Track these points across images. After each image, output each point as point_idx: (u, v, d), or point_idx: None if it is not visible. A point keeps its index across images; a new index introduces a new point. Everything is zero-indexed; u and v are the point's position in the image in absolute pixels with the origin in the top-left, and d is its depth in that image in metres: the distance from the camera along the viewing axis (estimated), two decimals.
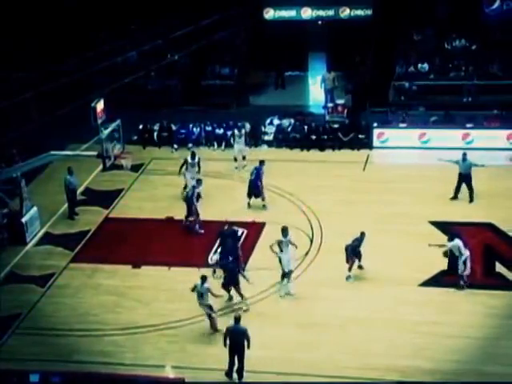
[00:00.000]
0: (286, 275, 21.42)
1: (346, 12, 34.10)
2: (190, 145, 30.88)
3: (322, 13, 34.52)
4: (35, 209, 25.31)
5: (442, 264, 22.11)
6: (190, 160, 26.33)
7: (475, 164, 25.39)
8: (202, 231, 24.68)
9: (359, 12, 34.00)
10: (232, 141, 29.42)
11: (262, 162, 26.04)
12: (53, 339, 20.29)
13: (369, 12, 33.80)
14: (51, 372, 17.87)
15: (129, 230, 25.20)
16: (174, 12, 32.81)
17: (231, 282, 20.98)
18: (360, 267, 22.26)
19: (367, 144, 30.13)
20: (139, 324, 20.56)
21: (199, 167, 26.47)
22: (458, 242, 21.20)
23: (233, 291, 21.14)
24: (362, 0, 33.85)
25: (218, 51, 34.98)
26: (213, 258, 23.46)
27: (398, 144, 29.75)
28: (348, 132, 30.41)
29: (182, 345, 19.67)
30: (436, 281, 21.64)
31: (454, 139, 29.15)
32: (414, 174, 27.33)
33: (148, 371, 18.47)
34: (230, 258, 21.92)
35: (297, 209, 25.79)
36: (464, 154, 25.60)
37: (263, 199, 25.75)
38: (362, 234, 22.03)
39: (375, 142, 30.06)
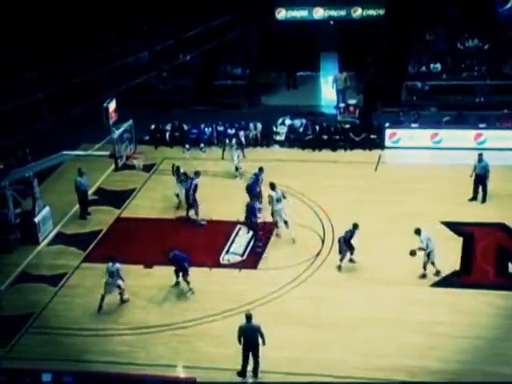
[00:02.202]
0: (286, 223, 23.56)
1: (358, 12, 34.04)
2: (202, 145, 30.92)
3: (334, 13, 34.48)
4: (47, 208, 25.40)
5: (454, 265, 22.06)
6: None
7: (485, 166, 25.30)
8: (205, 223, 24.77)
9: (371, 12, 33.94)
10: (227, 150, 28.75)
11: (261, 169, 25.96)
12: (64, 339, 20.36)
13: (381, 12, 33.73)
14: (63, 371, 17.95)
15: (141, 229, 25.23)
16: (186, 12, 32.84)
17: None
18: (351, 260, 22.36)
19: (379, 144, 30.06)
20: (151, 324, 20.60)
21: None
22: (424, 235, 21.34)
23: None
24: (374, 0, 33.78)
25: (230, 51, 35.02)
26: (225, 257, 23.49)
27: (410, 144, 29.66)
28: (360, 132, 30.36)
29: (194, 344, 19.69)
30: (448, 282, 21.56)
31: (466, 139, 29.03)
32: (426, 174, 27.23)
33: (159, 371, 18.49)
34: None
35: (308, 209, 25.76)
36: (480, 155, 25.50)
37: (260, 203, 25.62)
38: (355, 225, 22.13)
39: (387, 142, 29.99)
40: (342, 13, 34.31)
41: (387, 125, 30.19)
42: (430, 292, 21.24)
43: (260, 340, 18.27)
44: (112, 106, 24.00)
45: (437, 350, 19.03)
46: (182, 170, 26.01)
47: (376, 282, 21.62)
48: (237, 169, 28.18)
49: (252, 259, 23.34)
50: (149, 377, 17.88)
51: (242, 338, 18.31)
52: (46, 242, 24.97)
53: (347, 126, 30.98)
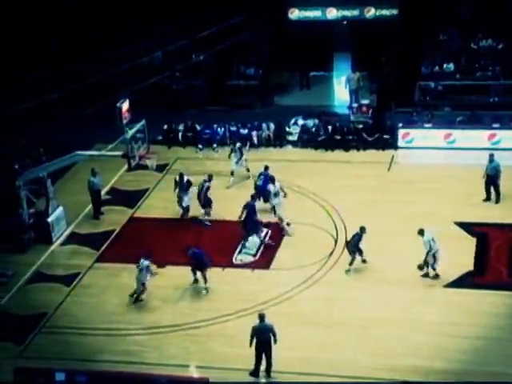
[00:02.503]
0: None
1: (371, 12, 33.98)
2: (215, 145, 30.95)
3: (347, 13, 34.43)
4: (61, 208, 25.49)
5: (468, 265, 21.98)
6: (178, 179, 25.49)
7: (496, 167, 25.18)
8: (209, 224, 24.97)
9: (385, 12, 33.86)
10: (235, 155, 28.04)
11: (266, 168, 25.93)
12: (78, 338, 20.43)
13: (394, 12, 33.65)
14: (77, 371, 18.00)
15: (154, 229, 25.27)
16: (199, 12, 32.88)
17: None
18: (364, 261, 22.33)
19: (392, 144, 29.98)
20: (163, 324, 20.64)
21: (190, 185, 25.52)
22: (428, 236, 21.23)
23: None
24: (387, 0, 33.70)
25: (243, 51, 35.01)
26: (237, 257, 23.50)
27: (424, 144, 29.57)
28: (373, 132, 30.29)
29: (206, 344, 19.71)
30: (462, 282, 21.49)
31: (480, 139, 28.91)
32: (439, 175, 27.14)
33: (172, 371, 18.51)
34: None
35: (321, 209, 25.73)
36: (491, 155, 25.42)
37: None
38: (362, 228, 22.08)
39: (400, 142, 29.91)
40: (356, 13, 34.26)
41: (400, 125, 30.11)
42: (443, 292, 21.17)
43: (272, 339, 18.28)
44: (125, 105, 24.05)
45: (449, 350, 18.99)
46: (185, 178, 25.59)
47: (388, 282, 21.57)
48: (232, 173, 27.77)
49: (265, 259, 23.34)
50: (161, 377, 17.90)
51: (253, 339, 18.29)
52: (59, 241, 25.06)
53: (360, 126, 30.93)
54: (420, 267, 21.57)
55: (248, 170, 27.96)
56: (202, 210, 25.24)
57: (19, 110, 25.58)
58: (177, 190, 25.60)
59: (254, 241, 24.07)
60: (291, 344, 19.33)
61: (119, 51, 29.07)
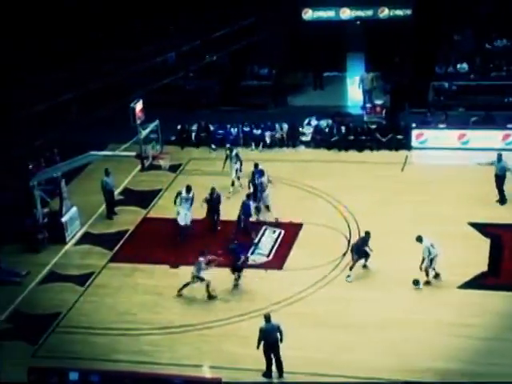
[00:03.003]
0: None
1: (385, 12, 33.86)
2: (228, 145, 30.89)
3: (360, 13, 34.32)
4: (75, 209, 25.57)
5: (482, 266, 21.89)
6: (184, 194, 24.70)
7: (508, 168, 25.09)
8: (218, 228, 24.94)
9: (398, 12, 33.72)
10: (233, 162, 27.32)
11: (257, 165, 26.00)
12: (91, 338, 20.48)
13: (408, 12, 33.51)
14: (90, 371, 18.05)
15: (167, 230, 25.30)
16: (213, 13, 32.91)
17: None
18: (365, 267, 22.23)
19: (406, 145, 29.90)
20: (176, 324, 20.66)
21: (192, 201, 24.73)
22: (426, 242, 21.13)
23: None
24: (401, 0, 33.61)
25: (257, 52, 35.00)
26: (251, 258, 23.49)
27: (437, 145, 29.47)
28: (386, 132, 30.23)
29: (219, 345, 19.71)
30: (475, 283, 21.40)
31: (494, 140, 28.78)
32: (453, 175, 27.04)
33: (185, 371, 18.50)
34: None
35: (334, 209, 25.69)
36: (499, 155, 25.35)
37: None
38: (367, 233, 22.10)
39: (414, 143, 29.82)
40: (369, 13, 34.14)
41: (414, 125, 30.02)
42: (458, 294, 21.09)
43: (280, 338, 18.32)
44: (139, 106, 24.09)
45: (464, 351, 18.93)
46: (192, 192, 24.85)
47: (403, 283, 21.48)
48: (233, 183, 27.11)
49: (278, 260, 23.33)
50: (174, 377, 17.91)
51: (261, 341, 18.25)
52: (73, 241, 25.13)
53: (374, 126, 30.88)
54: (415, 282, 21.31)
55: (233, 184, 27.17)
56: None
57: (34, 110, 25.66)
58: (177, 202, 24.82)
59: (266, 241, 24.09)
60: (304, 345, 19.34)
61: (133, 52, 29.11)
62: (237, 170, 27.24)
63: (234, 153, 27.55)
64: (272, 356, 18.40)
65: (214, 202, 24.86)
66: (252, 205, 24.66)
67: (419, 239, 21.30)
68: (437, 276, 21.55)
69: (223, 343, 19.78)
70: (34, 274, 23.39)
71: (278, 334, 18.29)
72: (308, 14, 34.68)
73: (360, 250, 21.96)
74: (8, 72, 30.15)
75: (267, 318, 18.46)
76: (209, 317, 20.75)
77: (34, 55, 31.76)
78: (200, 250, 21.81)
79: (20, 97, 27.59)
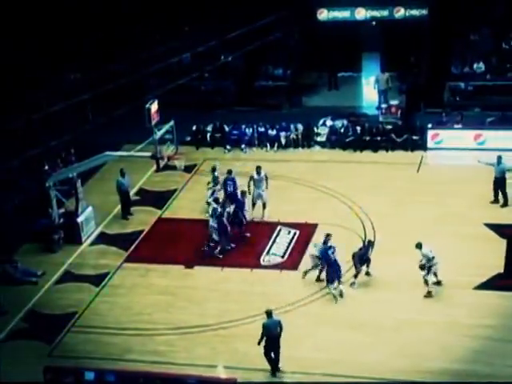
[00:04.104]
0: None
1: (400, 12, 33.76)
2: (243, 145, 30.98)
3: (376, 13, 34.24)
4: (90, 209, 25.65)
5: (498, 267, 21.78)
6: (255, 176, 25.09)
7: (508, 169, 25.04)
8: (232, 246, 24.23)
9: (414, 12, 33.61)
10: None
11: (230, 172, 25.57)
12: (106, 338, 20.53)
13: (424, 12, 33.40)
14: (106, 370, 18.10)
15: (181, 230, 25.35)
16: (228, 13, 32.93)
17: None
18: (367, 274, 21.99)
19: (421, 145, 29.79)
20: (191, 324, 20.67)
21: (267, 182, 25.13)
22: (425, 250, 20.93)
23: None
24: (417, 0, 33.49)
25: (272, 52, 35.00)
26: (265, 258, 23.49)
27: (453, 145, 29.34)
28: (402, 133, 30.13)
29: (234, 345, 19.71)
30: (491, 284, 21.28)
31: (510, 140, 28.60)
32: (469, 176, 26.89)
33: (200, 371, 18.51)
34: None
35: (349, 210, 25.64)
36: (499, 157, 25.27)
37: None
38: (369, 242, 22.12)
39: (429, 143, 29.70)
40: (385, 13, 34.05)
41: (430, 126, 29.90)
42: (474, 295, 20.99)
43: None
44: (154, 106, 24.17)
45: (485, 353, 18.84)
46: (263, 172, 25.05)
47: (418, 284, 21.39)
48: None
49: (293, 260, 23.30)
50: (189, 377, 17.92)
51: (264, 336, 18.37)
52: (88, 241, 25.22)
53: (389, 126, 30.77)
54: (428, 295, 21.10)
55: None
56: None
57: (50, 111, 25.76)
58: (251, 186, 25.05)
59: (281, 242, 24.08)
60: (319, 345, 19.34)
61: (149, 52, 29.15)
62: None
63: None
64: (272, 354, 18.52)
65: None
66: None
67: (419, 246, 20.98)
68: (438, 283, 21.21)
69: (238, 343, 19.78)
70: (49, 273, 23.48)
71: (279, 329, 18.43)
72: (323, 15, 34.64)
73: (362, 258, 21.75)
74: (24, 72, 30.31)
75: (269, 314, 18.58)
76: (224, 317, 20.75)
77: (49, 55, 31.90)
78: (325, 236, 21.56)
79: (36, 97, 27.69)
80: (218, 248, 23.59)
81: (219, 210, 23.61)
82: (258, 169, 25.18)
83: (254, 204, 25.35)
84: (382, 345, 19.32)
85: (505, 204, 25.14)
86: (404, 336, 19.57)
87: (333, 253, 21.16)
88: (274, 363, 18.61)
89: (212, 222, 23.52)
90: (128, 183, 26.54)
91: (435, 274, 21.09)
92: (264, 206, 25.38)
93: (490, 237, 23.33)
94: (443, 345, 19.16)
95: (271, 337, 18.41)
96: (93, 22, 33.48)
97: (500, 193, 25.22)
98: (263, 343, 18.46)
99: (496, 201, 25.27)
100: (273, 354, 18.58)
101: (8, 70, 29.75)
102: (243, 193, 24.78)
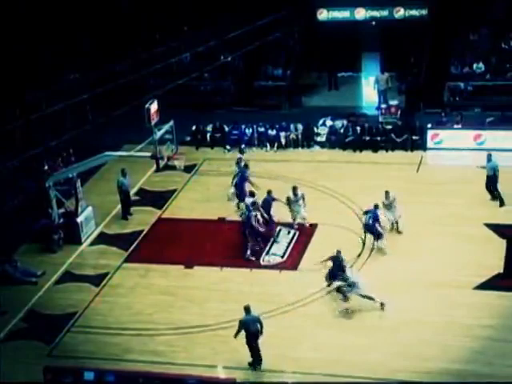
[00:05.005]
0: None
1: (400, 12, 33.77)
2: (243, 145, 30.96)
3: (376, 13, 34.22)
4: (90, 209, 25.65)
5: (498, 267, 21.78)
6: (292, 197, 24.40)
7: (496, 165, 25.25)
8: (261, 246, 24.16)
9: (414, 12, 33.61)
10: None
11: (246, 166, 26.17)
12: (106, 338, 20.53)
13: (424, 12, 33.41)
14: (105, 370, 18.11)
15: (181, 230, 25.36)
16: (227, 13, 32.93)
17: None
18: (380, 248, 22.84)
19: (421, 145, 29.80)
20: (191, 324, 20.67)
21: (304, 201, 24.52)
22: (339, 255, 21.08)
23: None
24: (416, 0, 33.50)
25: (271, 52, 35.01)
26: (265, 258, 23.48)
27: (453, 145, 29.33)
28: (401, 133, 30.13)
29: (234, 345, 19.61)
30: (491, 284, 21.27)
31: (510, 140, 28.62)
32: (468, 176, 26.87)
33: (199, 371, 18.53)
34: None
35: (349, 210, 25.62)
36: (489, 155, 25.45)
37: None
38: (376, 206, 22.91)
39: (429, 143, 29.70)
40: (384, 13, 34.04)
41: (429, 126, 29.90)
42: (473, 295, 20.98)
43: (260, 330, 18.67)
44: (154, 106, 24.16)
45: (485, 354, 18.82)
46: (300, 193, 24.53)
47: (418, 284, 21.42)
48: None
49: (292, 261, 23.31)
50: (189, 377, 17.94)
51: (240, 331, 18.63)
52: (88, 241, 25.22)
53: (389, 126, 30.77)
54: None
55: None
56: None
57: (49, 111, 25.77)
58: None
59: (281, 242, 24.08)
60: (318, 345, 19.35)
61: (148, 52, 29.16)
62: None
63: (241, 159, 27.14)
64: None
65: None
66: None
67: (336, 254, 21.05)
68: (382, 306, 20.61)
69: (238, 343, 19.68)
70: (49, 273, 23.48)
71: (259, 325, 18.61)
72: (323, 15, 34.63)
73: (374, 224, 22.37)
74: (24, 72, 30.31)
75: (247, 310, 18.76)
76: (223, 317, 20.74)
77: (49, 55, 31.91)
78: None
79: (35, 97, 27.71)
80: (248, 251, 23.44)
81: (250, 206, 23.58)
82: (295, 189, 24.50)
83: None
84: (381, 345, 19.31)
85: (501, 202, 25.11)
86: (404, 336, 19.57)
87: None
88: (255, 356, 18.81)
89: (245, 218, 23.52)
90: (129, 183, 26.53)
91: (365, 297, 20.52)
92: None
93: (489, 237, 23.32)
94: (443, 345, 19.16)
95: (250, 332, 18.63)
96: (92, 22, 33.48)
97: (488, 191, 25.30)
98: (244, 339, 18.70)
99: (494, 198, 25.31)
100: (254, 351, 18.80)
101: (7, 70, 29.73)
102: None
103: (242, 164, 26.46)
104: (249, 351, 18.77)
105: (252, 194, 24.59)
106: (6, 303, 22.01)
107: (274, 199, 24.37)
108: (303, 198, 24.53)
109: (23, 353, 20.07)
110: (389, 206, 23.73)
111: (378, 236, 22.81)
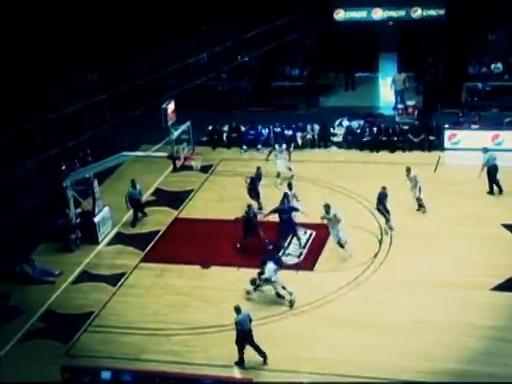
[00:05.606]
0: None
1: (418, 12, 33.63)
2: (259, 146, 30.98)
3: (393, 13, 34.12)
4: (107, 209, 25.75)
5: None
6: (289, 192, 24.90)
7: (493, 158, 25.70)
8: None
9: (431, 12, 33.47)
10: (274, 155, 28.45)
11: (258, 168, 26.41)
12: (122, 337, 20.61)
13: (441, 12, 33.25)
14: (122, 370, 18.18)
15: (198, 230, 25.39)
16: (245, 13, 32.95)
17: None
18: (390, 228, 23.93)
19: (438, 145, 29.68)
20: (207, 324, 20.70)
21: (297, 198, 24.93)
22: (271, 266, 21.11)
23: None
24: (434, 0, 33.36)
25: (288, 52, 35.00)
26: (282, 259, 23.45)
27: (470, 146, 29.17)
28: (419, 133, 30.03)
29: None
30: (508, 285, 21.14)
31: None
32: (486, 176, 26.69)
33: (216, 371, 18.58)
34: None
35: (366, 210, 25.56)
36: (485, 149, 25.88)
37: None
38: (384, 187, 23.94)
39: (447, 144, 29.58)
40: (402, 13, 33.93)
41: (447, 126, 29.79)
42: (490, 296, 20.87)
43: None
44: (171, 107, 24.23)
45: (501, 355, 18.71)
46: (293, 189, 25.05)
47: (434, 284, 21.34)
48: (279, 175, 27.91)
49: (309, 261, 23.28)
50: (205, 377, 17.97)
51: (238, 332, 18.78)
52: (105, 241, 25.31)
53: (406, 127, 30.69)
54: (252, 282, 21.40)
55: (278, 175, 27.88)
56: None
57: (67, 111, 25.89)
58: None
59: (298, 242, 24.06)
60: (334, 346, 19.32)
61: (165, 52, 29.22)
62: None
63: (283, 146, 28.34)
64: (247, 345, 18.84)
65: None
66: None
67: (263, 264, 21.25)
68: (291, 305, 21.00)
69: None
70: (66, 273, 23.60)
71: (249, 322, 18.78)
72: (340, 15, 34.55)
73: (385, 204, 23.78)
74: (41, 73, 30.47)
75: (238, 310, 18.94)
76: None
77: (67, 56, 32.06)
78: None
79: (53, 98, 27.85)
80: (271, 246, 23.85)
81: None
82: (290, 185, 25.06)
83: None
84: (395, 345, 19.25)
85: (500, 191, 25.52)
86: (418, 337, 19.49)
87: None
88: (259, 353, 18.89)
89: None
90: (139, 191, 26.24)
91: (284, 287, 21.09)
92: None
93: (507, 237, 23.19)
94: (458, 346, 19.08)
95: (244, 331, 18.73)
96: (110, 23, 33.59)
97: (493, 183, 25.55)
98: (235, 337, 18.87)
99: (491, 192, 25.66)
100: (254, 350, 18.88)
101: (25, 71, 29.91)
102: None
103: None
104: (237, 351, 18.90)
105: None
106: (24, 303, 22.19)
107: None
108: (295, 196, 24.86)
109: (40, 352, 20.19)
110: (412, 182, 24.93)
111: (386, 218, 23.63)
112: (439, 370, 18.33)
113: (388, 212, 24.15)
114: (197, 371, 18.62)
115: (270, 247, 23.77)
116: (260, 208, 25.54)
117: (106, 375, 17.75)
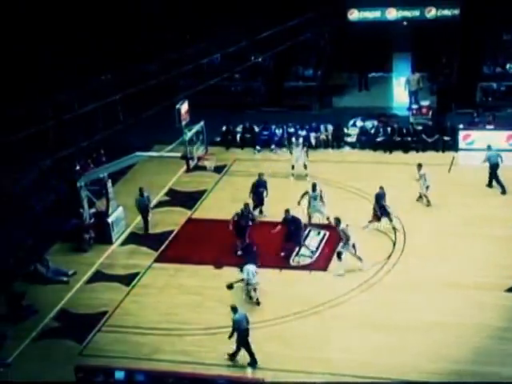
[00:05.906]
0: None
1: (432, 12, 33.51)
2: (273, 146, 30.99)
3: (407, 13, 34.00)
4: (121, 209, 25.82)
5: None
6: (310, 192, 24.72)
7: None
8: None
9: (446, 12, 33.33)
10: (290, 148, 28.85)
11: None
12: (136, 337, 20.65)
13: (456, 12, 33.11)
14: (136, 370, 18.23)
15: (211, 230, 25.40)
16: (258, 14, 32.95)
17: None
18: (394, 228, 24.07)
19: (452, 146, 29.57)
20: (220, 324, 20.67)
21: (322, 199, 24.72)
22: (250, 267, 21.19)
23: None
24: (448, 0, 33.24)
25: (302, 53, 34.97)
26: (295, 259, 23.46)
27: (485, 146, 28.99)
28: (433, 134, 29.94)
29: (262, 346, 19.64)
30: None
31: None
32: (500, 177, 26.59)
33: (228, 371, 18.63)
34: None
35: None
36: (488, 146, 26.21)
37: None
38: (381, 187, 23.98)
39: (461, 144, 29.47)
40: (416, 13, 33.80)
41: (461, 126, 29.68)
42: (505, 297, 20.78)
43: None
44: (184, 107, 24.27)
45: (511, 356, 18.63)
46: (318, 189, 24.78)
47: (448, 285, 21.28)
48: (293, 167, 28.19)
49: (322, 261, 23.26)
50: (218, 377, 18.00)
51: (235, 331, 18.86)
52: (119, 241, 25.39)
53: (420, 127, 30.60)
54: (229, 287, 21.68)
55: (305, 167, 28.03)
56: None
57: (81, 111, 25.99)
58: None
59: (311, 242, 24.05)
60: (348, 346, 19.29)
61: (179, 53, 29.28)
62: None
63: (300, 140, 28.59)
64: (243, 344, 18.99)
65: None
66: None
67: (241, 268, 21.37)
68: (258, 302, 21.36)
69: (267, 344, 19.75)
70: (80, 273, 23.69)
71: (246, 322, 18.86)
72: (354, 15, 34.48)
73: (381, 205, 23.87)
74: (55, 73, 30.60)
75: (235, 309, 19.04)
76: (253, 318, 20.66)
77: (80, 56, 32.18)
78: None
79: (67, 98, 27.96)
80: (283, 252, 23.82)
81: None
82: (314, 186, 24.85)
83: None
84: (410, 347, 19.21)
85: (503, 191, 25.58)
86: (433, 338, 19.44)
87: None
88: (251, 358, 19.01)
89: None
90: (147, 198, 26.00)
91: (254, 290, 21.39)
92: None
93: None
94: (475, 347, 19.02)
95: (241, 330, 18.80)
96: (124, 23, 33.69)
97: (494, 179, 25.79)
98: (234, 338, 18.96)
99: (490, 185, 26.03)
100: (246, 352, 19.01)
101: (39, 71, 30.04)
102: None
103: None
104: (246, 352, 18.99)
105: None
106: (38, 302, 22.28)
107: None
108: (321, 196, 24.72)
109: (54, 351, 20.28)
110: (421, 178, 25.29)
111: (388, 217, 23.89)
112: (453, 371, 18.28)
113: (388, 212, 24.04)
114: (209, 371, 18.66)
115: (282, 254, 23.65)
116: (261, 212, 25.58)
117: (119, 375, 17.82)
